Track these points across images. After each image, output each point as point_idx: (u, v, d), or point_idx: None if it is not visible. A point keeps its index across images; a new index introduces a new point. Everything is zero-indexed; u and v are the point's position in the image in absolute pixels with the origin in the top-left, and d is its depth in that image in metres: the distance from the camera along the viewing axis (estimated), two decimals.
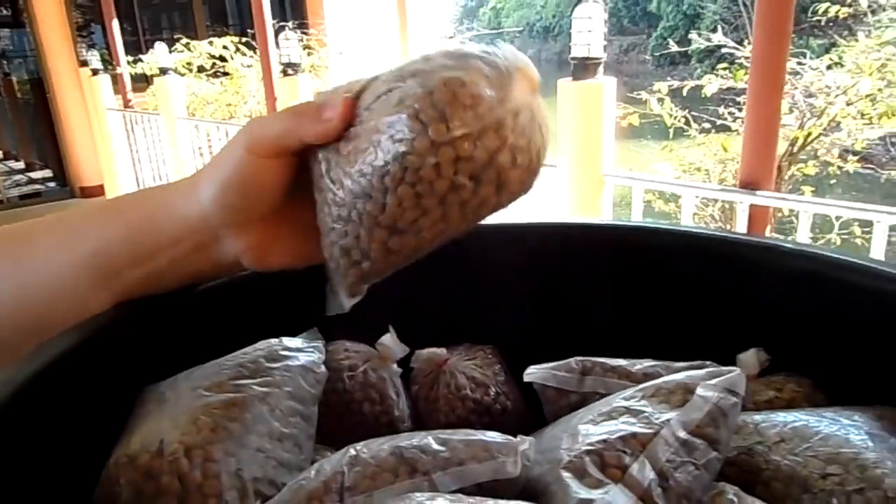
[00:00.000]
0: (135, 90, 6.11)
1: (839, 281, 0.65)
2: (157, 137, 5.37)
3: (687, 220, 3.08)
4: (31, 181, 8.27)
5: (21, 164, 8.75)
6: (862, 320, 0.65)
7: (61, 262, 0.56)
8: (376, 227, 0.49)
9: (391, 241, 0.50)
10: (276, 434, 0.55)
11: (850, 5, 4.00)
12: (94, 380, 0.59)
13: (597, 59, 2.88)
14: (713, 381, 0.53)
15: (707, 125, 3.95)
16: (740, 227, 2.93)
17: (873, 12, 5.09)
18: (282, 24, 4.36)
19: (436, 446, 0.51)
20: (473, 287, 0.85)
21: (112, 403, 0.59)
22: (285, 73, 3.79)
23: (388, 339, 0.74)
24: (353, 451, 0.53)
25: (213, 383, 0.55)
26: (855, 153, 4.02)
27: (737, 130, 3.90)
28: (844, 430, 0.52)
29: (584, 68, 2.92)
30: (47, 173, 8.12)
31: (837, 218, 3.44)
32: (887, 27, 5.05)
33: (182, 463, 0.47)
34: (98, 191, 6.97)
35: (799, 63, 3.75)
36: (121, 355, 0.61)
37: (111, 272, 0.56)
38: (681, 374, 0.55)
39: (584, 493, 0.45)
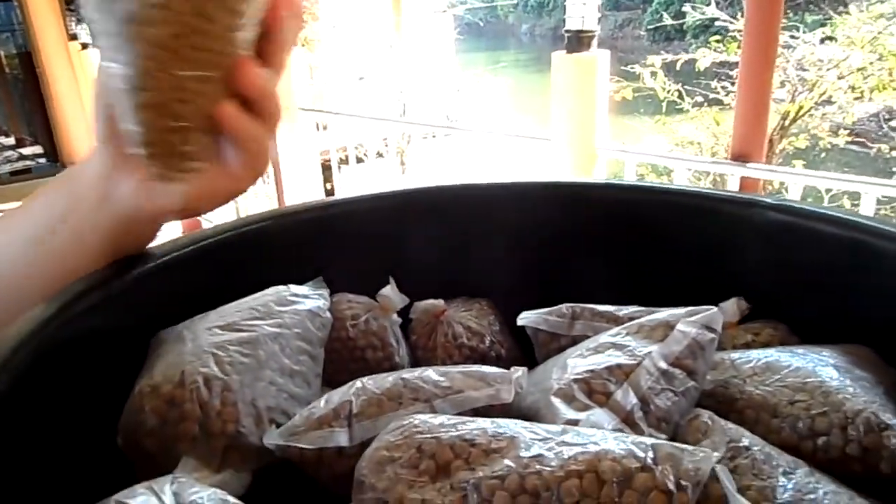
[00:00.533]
0: None
1: (813, 231, 0.69)
2: None
3: None
4: (22, 157, 8.22)
5: (11, 141, 8.70)
6: (837, 269, 0.69)
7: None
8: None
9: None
10: (286, 370, 0.59)
11: None
12: (114, 323, 0.62)
13: (591, 31, 2.90)
14: (692, 318, 0.57)
15: (700, 99, 3.97)
16: None
17: None
18: None
19: (436, 377, 0.55)
20: (469, 244, 0.88)
21: (131, 346, 0.63)
22: None
23: (389, 290, 0.78)
24: (359, 384, 0.57)
25: (227, 323, 0.59)
26: (846, 128, 4.05)
27: (729, 104, 3.92)
28: (813, 363, 0.57)
29: (578, 41, 2.93)
30: (38, 149, 8.08)
31: (827, 190, 3.49)
32: (878, 1, 5.06)
33: (202, 392, 0.51)
34: None
35: (792, 37, 3.77)
36: (137, 302, 0.65)
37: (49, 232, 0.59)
38: (663, 313, 0.59)
39: (571, 414, 0.50)
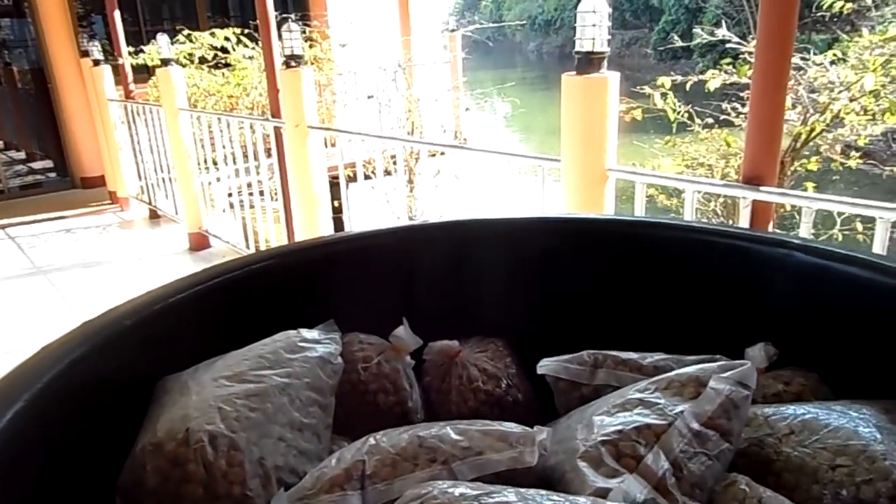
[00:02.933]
0: (136, 81, 6.09)
1: (846, 276, 0.66)
2: (158, 128, 5.36)
3: (689, 215, 3.09)
4: (32, 171, 8.26)
5: (22, 155, 8.74)
6: (867, 315, 0.66)
7: None
8: None
9: None
10: (296, 424, 0.56)
11: (854, 1, 3.99)
12: (115, 372, 0.60)
13: (601, 53, 2.87)
14: (725, 374, 0.54)
15: (710, 120, 3.95)
16: (743, 222, 2.93)
17: (876, 7, 5.08)
18: (284, 15, 4.36)
19: (455, 436, 0.52)
20: (483, 281, 0.86)
21: (134, 394, 0.60)
22: (288, 66, 3.79)
23: (402, 332, 0.75)
24: (372, 441, 0.54)
25: (235, 373, 0.56)
26: (857, 149, 4.02)
27: (740, 126, 3.90)
28: (853, 422, 0.53)
29: (588, 63, 2.91)
30: (48, 164, 8.11)
31: (840, 214, 3.44)
32: (891, 22, 5.04)
33: (207, 451, 0.49)
34: (99, 181, 6.96)
35: (802, 59, 3.74)
36: (140, 347, 0.62)
37: None
38: (693, 368, 0.56)
39: (600, 481, 0.46)
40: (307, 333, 0.63)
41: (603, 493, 0.45)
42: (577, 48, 2.99)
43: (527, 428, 0.53)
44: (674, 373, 0.55)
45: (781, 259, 0.72)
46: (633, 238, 0.80)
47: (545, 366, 0.67)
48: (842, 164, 3.97)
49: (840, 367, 0.68)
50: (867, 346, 0.66)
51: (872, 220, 2.77)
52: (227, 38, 5.98)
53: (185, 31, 6.23)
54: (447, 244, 0.82)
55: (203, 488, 0.47)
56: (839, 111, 3.49)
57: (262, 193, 4.45)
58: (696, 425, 0.49)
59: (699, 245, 0.76)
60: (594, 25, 2.92)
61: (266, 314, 0.69)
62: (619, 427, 0.50)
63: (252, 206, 4.58)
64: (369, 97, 4.80)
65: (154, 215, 5.94)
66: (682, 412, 0.50)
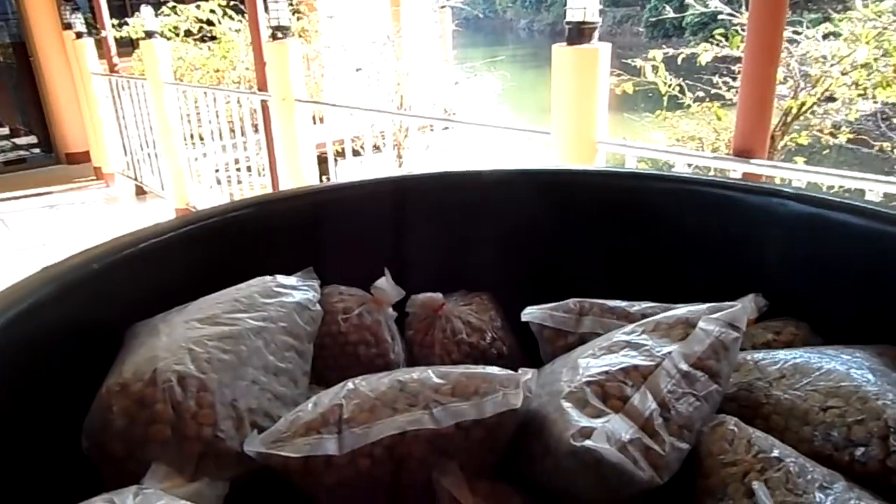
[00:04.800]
0: (120, 55, 5.98)
1: (838, 223, 0.64)
2: (143, 103, 5.27)
3: None
4: (16, 147, 8.14)
5: (6, 131, 8.60)
6: (861, 263, 0.64)
7: None
8: None
9: None
10: (271, 368, 0.54)
11: None
12: (82, 317, 0.57)
13: (592, 23, 2.84)
14: (714, 316, 0.52)
15: (701, 94, 3.92)
16: None
17: None
18: None
19: (436, 379, 0.50)
20: (467, 234, 0.84)
21: (104, 341, 0.58)
22: (274, 37, 3.72)
23: (384, 283, 0.73)
24: (351, 385, 0.52)
25: (207, 316, 0.54)
26: (847, 126, 4.01)
27: (731, 100, 3.88)
28: (845, 365, 0.52)
29: (579, 33, 2.87)
30: (32, 139, 7.98)
31: (829, 188, 3.44)
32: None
33: (176, 391, 0.47)
34: (84, 157, 6.85)
35: (795, 32, 3.71)
36: (109, 292, 0.60)
37: None
38: (681, 310, 0.55)
39: (584, 421, 0.45)
40: (283, 279, 0.60)
41: (588, 433, 0.43)
42: (568, 18, 2.95)
43: (511, 371, 0.51)
44: (661, 315, 0.54)
45: (774, 209, 0.70)
46: (620, 190, 0.78)
47: (530, 313, 0.65)
48: (831, 139, 3.97)
49: (832, 316, 0.66)
50: (860, 294, 0.64)
51: (861, 194, 2.77)
52: (212, 11, 5.87)
53: (170, 3, 6.11)
54: (431, 196, 0.79)
55: (171, 429, 0.45)
56: (830, 85, 3.48)
57: (249, 169, 4.40)
58: (684, 366, 0.47)
59: (689, 196, 0.75)
60: None
61: (245, 263, 0.67)
62: (605, 368, 0.48)
63: (239, 182, 4.53)
64: (358, 70, 4.74)
65: (140, 191, 5.87)
66: (669, 353, 0.49)
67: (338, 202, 0.78)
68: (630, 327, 0.55)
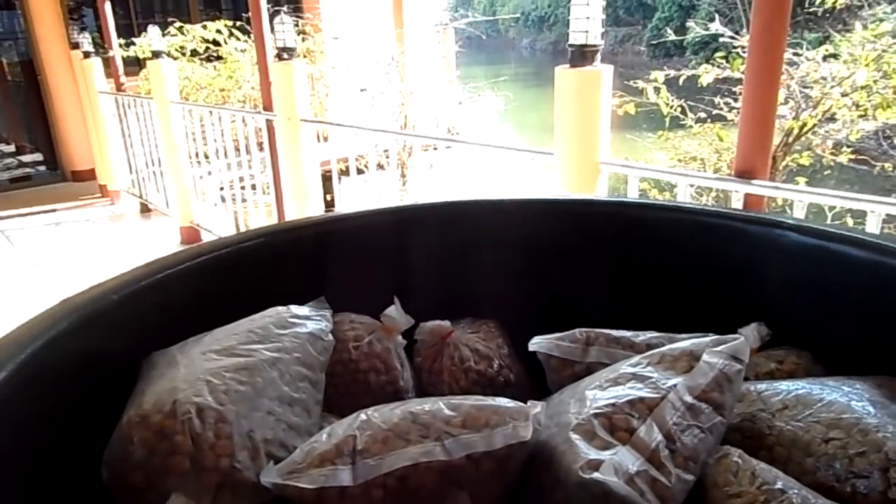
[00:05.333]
0: (127, 74, 6.05)
1: (838, 254, 0.66)
2: (149, 122, 5.32)
3: None
4: (22, 164, 8.20)
5: (11, 148, 8.67)
6: (860, 294, 0.65)
7: None
8: None
9: None
10: (285, 398, 0.55)
11: None
12: (101, 347, 0.59)
13: (595, 46, 2.87)
14: (718, 348, 0.54)
15: (703, 115, 3.95)
16: None
17: (869, 5, 5.10)
18: (276, 8, 4.33)
19: (447, 412, 0.52)
20: (474, 263, 0.85)
21: (120, 370, 0.59)
22: (280, 58, 3.77)
23: (393, 311, 0.74)
24: (364, 416, 0.53)
25: (224, 347, 0.55)
26: (848, 145, 4.04)
27: (732, 121, 3.91)
28: (846, 397, 0.53)
29: (581, 55, 2.91)
30: (38, 157, 8.04)
31: (831, 208, 3.45)
32: (882, 20, 5.05)
33: (195, 423, 0.48)
34: (89, 175, 6.90)
35: (795, 54, 3.75)
36: (126, 321, 0.62)
37: None
38: (686, 342, 0.56)
39: (593, 453, 0.46)
40: (297, 310, 0.62)
41: (596, 465, 0.45)
42: (571, 41, 2.99)
43: (520, 403, 0.53)
44: (666, 347, 0.55)
45: (776, 239, 0.71)
46: (625, 219, 0.79)
47: (537, 343, 0.66)
48: (833, 157, 3.99)
49: (833, 346, 0.68)
50: (860, 324, 0.66)
51: (863, 214, 2.79)
52: (218, 31, 5.94)
53: (178, 24, 6.18)
54: (439, 225, 0.81)
55: (190, 460, 0.46)
56: (831, 107, 3.50)
57: (253, 187, 4.43)
58: (689, 398, 0.49)
59: (693, 226, 0.76)
60: (588, 18, 2.92)
61: (256, 293, 0.69)
62: (612, 400, 0.49)
63: (244, 200, 4.56)
64: (362, 90, 4.79)
65: (145, 209, 5.90)
66: (675, 385, 0.50)
67: (345, 231, 0.80)
68: (636, 359, 0.56)
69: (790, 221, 0.70)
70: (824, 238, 0.66)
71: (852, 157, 4.03)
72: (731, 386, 0.52)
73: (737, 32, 4.26)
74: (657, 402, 0.49)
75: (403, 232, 0.82)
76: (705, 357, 0.52)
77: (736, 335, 0.55)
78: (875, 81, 3.41)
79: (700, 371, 0.50)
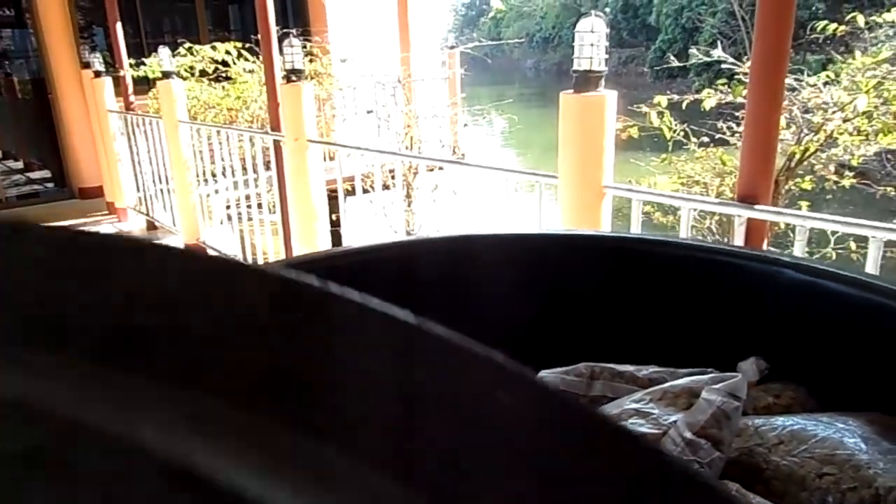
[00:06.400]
0: (136, 93, 6.13)
1: (834, 293, 0.68)
2: (157, 140, 5.39)
3: (685, 233, 3.12)
4: (30, 181, 8.29)
5: (20, 165, 8.77)
6: (854, 331, 0.68)
7: None
8: None
9: None
10: None
11: (847, 23, 4.07)
12: None
13: (599, 72, 2.92)
14: (717, 386, 0.56)
15: (706, 139, 4.00)
16: (738, 240, 2.97)
17: (870, 29, 5.17)
18: (285, 30, 4.41)
19: None
20: (479, 294, 0.88)
21: None
22: (288, 80, 3.83)
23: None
24: None
25: None
26: (851, 168, 4.08)
27: (735, 144, 3.95)
28: (839, 433, 0.55)
29: (585, 81, 2.96)
30: (46, 174, 8.12)
31: (833, 233, 3.48)
32: (884, 43, 5.11)
33: None
34: (97, 192, 6.97)
35: (797, 80, 3.81)
36: None
37: None
38: (686, 380, 0.58)
39: None
40: None
41: None
42: (575, 67, 3.04)
43: None
44: (668, 384, 0.57)
45: (773, 276, 0.74)
46: (628, 254, 0.82)
47: (543, 377, 0.69)
48: (836, 183, 4.02)
49: (828, 381, 0.70)
50: (853, 361, 0.68)
51: (866, 239, 2.81)
52: (228, 52, 6.04)
53: (187, 45, 6.28)
54: (444, 258, 0.84)
55: None
56: (833, 131, 3.55)
57: (260, 206, 4.48)
58: (688, 434, 0.51)
59: (694, 262, 0.79)
60: (592, 45, 2.97)
61: None
62: None
63: (250, 219, 4.60)
64: (368, 112, 4.86)
65: (151, 226, 5.96)
66: (675, 422, 0.52)
67: (353, 265, 0.83)
68: (639, 395, 0.58)
69: (787, 259, 0.73)
70: (819, 276, 0.68)
71: (855, 180, 4.07)
72: (729, 422, 0.54)
73: (739, 56, 4.32)
74: (658, 438, 0.51)
75: (407, 265, 0.84)
76: (704, 394, 0.54)
77: (734, 373, 0.58)
78: (876, 108, 3.46)
79: (699, 408, 0.53)
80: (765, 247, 3.22)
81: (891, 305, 0.65)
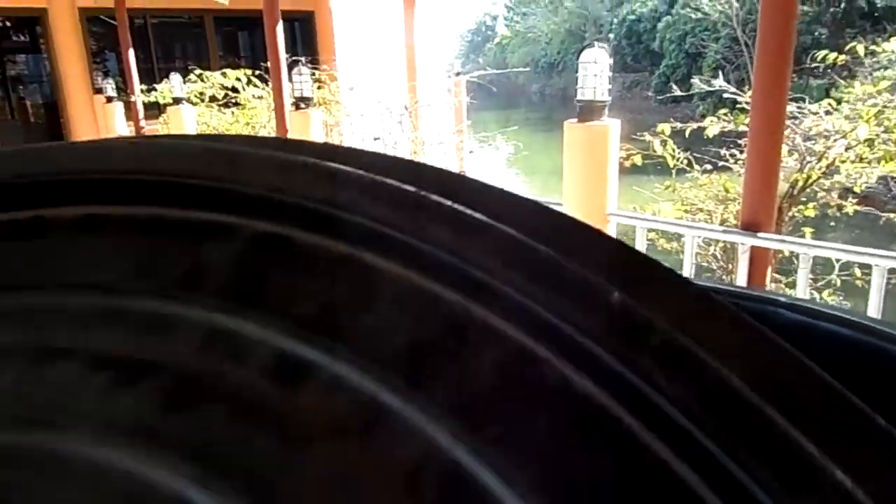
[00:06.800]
0: (147, 118, 6.23)
1: (831, 334, 0.70)
2: None
3: (689, 260, 3.14)
4: None
5: None
6: (849, 371, 0.70)
7: None
8: None
9: None
10: None
11: (848, 52, 4.12)
12: None
13: (602, 101, 2.97)
14: None
15: (709, 166, 4.03)
16: (741, 267, 2.99)
17: (871, 54, 5.22)
18: (295, 59, 4.49)
19: None
20: None
21: None
22: (297, 107, 3.90)
23: None
24: None
25: None
26: (855, 194, 4.09)
27: (738, 171, 3.98)
28: None
29: (589, 110, 3.01)
30: None
31: (837, 260, 3.49)
32: (887, 68, 5.16)
33: None
34: None
35: (798, 108, 3.84)
36: None
37: None
38: None
39: None
40: None
41: None
42: (579, 97, 3.10)
43: None
44: None
45: (770, 315, 0.76)
46: None
47: None
48: (839, 209, 4.04)
49: None
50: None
51: (870, 266, 2.83)
52: (237, 79, 6.14)
53: (198, 71, 6.39)
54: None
55: None
56: (835, 159, 3.57)
57: None
58: None
59: None
60: (595, 75, 3.03)
61: None
62: None
63: None
64: (376, 139, 4.93)
65: None
66: None
67: None
68: None
69: (783, 300, 0.75)
70: (814, 316, 0.71)
71: (860, 206, 4.08)
72: None
73: (743, 80, 4.38)
74: None
75: None
76: None
77: None
78: (877, 136, 3.49)
79: None
80: (769, 274, 3.23)
81: (890, 349, 0.67)
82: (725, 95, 4.03)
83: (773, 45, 2.70)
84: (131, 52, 5.96)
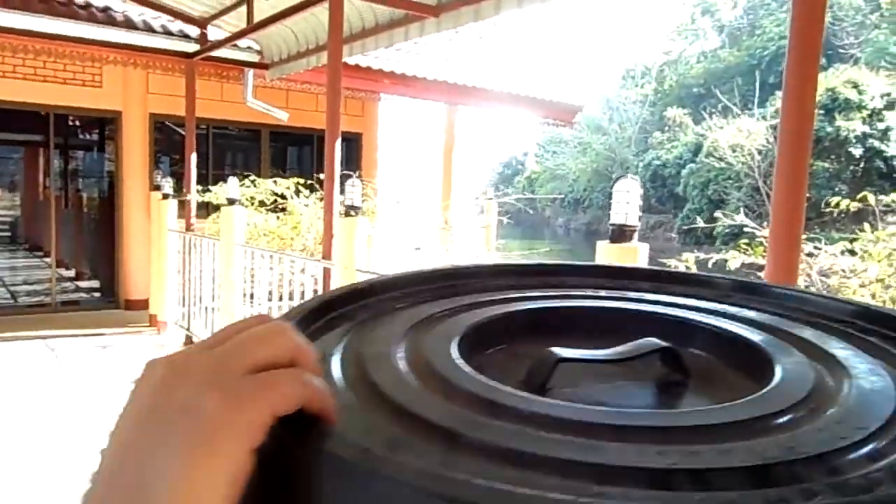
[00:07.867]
0: (198, 216, 6.65)
1: None
2: (210, 260, 5.77)
3: None
4: (78, 289, 8.71)
5: (72, 273, 9.24)
6: None
7: None
8: None
9: None
10: None
11: (860, 200, 4.40)
12: None
13: (632, 226, 3.24)
14: None
15: None
16: None
17: (886, 206, 5.48)
18: (346, 172, 4.90)
19: None
20: None
21: None
22: (347, 214, 4.24)
23: None
24: None
25: None
26: None
27: None
28: None
29: (621, 234, 3.27)
30: (94, 283, 8.55)
31: None
32: None
33: None
34: (143, 304, 7.29)
35: (816, 248, 4.06)
36: None
37: None
38: None
39: None
40: None
41: None
42: (612, 220, 3.37)
43: None
44: None
45: None
46: None
47: None
48: None
49: None
50: None
51: None
52: (287, 188, 6.60)
53: (252, 177, 6.89)
54: None
55: None
56: (850, 297, 3.73)
57: None
58: None
59: None
60: (627, 202, 3.32)
61: None
62: None
63: None
64: (417, 249, 5.21)
65: (189, 341, 6.19)
66: None
67: None
68: None
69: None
70: None
71: None
72: None
73: (761, 224, 4.62)
74: None
75: None
76: None
77: None
78: (889, 276, 3.67)
79: None
80: None
81: None
82: (746, 230, 4.28)
83: (788, 192, 2.95)
84: (193, 157, 6.48)
